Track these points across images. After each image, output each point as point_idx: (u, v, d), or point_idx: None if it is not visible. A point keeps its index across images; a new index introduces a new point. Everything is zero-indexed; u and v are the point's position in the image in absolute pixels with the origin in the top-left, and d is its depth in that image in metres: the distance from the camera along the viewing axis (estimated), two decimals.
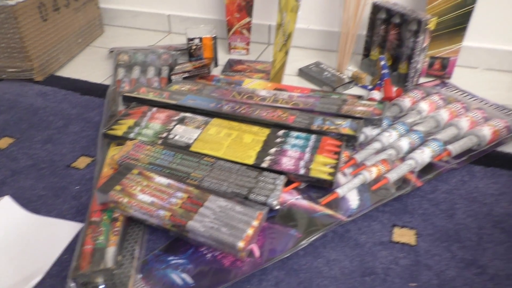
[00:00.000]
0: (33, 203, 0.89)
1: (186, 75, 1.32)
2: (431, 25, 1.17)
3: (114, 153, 0.97)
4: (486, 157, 0.99)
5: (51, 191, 0.92)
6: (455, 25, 1.26)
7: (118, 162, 0.91)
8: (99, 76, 1.40)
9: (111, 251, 0.75)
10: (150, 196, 0.81)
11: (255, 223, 0.77)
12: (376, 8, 1.28)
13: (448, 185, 0.92)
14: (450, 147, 0.97)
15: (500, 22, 1.31)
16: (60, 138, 1.09)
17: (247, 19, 1.48)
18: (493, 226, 0.83)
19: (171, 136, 0.99)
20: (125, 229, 0.80)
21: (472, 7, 1.22)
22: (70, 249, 0.79)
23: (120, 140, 1.00)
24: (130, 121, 1.04)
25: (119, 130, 1.02)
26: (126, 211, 0.80)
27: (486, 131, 1.00)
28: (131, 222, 0.82)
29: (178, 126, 1.02)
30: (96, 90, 1.29)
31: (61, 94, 1.28)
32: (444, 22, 1.26)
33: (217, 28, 1.50)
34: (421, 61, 1.24)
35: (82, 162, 1.01)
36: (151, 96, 1.13)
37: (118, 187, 0.82)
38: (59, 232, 0.83)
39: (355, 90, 1.30)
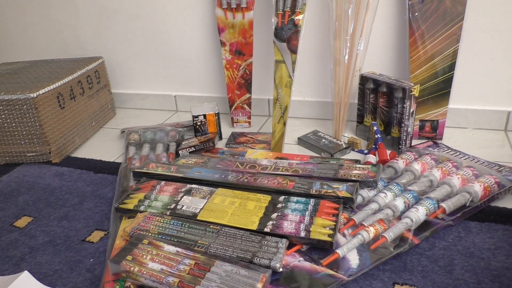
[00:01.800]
0: (49, 277, 0.94)
1: (192, 149, 1.41)
2: (415, 92, 1.26)
3: (126, 225, 1.03)
4: (481, 213, 1.03)
5: (66, 265, 0.97)
6: (439, 90, 1.36)
7: (129, 234, 0.97)
8: (112, 155, 1.50)
9: None
10: (160, 264, 0.86)
11: (259, 285, 0.80)
12: (364, 79, 1.39)
13: (445, 242, 0.96)
14: (444, 204, 1.02)
15: (481, 85, 1.41)
16: (75, 215, 1.16)
17: (247, 95, 1.60)
18: (491, 281, 0.85)
19: (179, 207, 1.06)
20: None
21: (452, 73, 1.32)
22: None
23: (132, 213, 1.07)
24: (140, 195, 1.11)
25: (130, 204, 1.09)
26: (137, 279, 0.85)
27: (478, 187, 1.05)
28: None
29: (185, 197, 1.09)
30: (109, 168, 1.38)
31: (77, 173, 1.37)
32: (428, 88, 1.36)
33: (219, 104, 1.62)
34: (411, 125, 1.32)
35: (96, 236, 1.07)
36: (159, 170, 1.22)
37: (129, 257, 0.87)
38: None
39: (352, 155, 1.38)
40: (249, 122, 1.64)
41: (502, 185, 1.08)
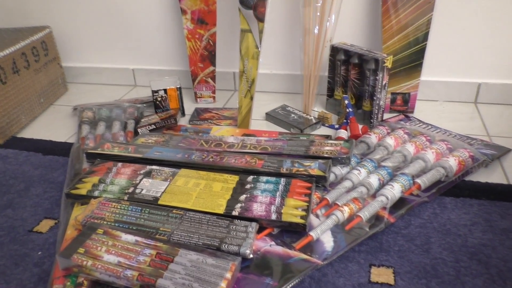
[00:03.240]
0: None
1: (152, 127, 1.31)
2: (388, 63, 1.21)
3: (78, 213, 0.93)
4: (455, 188, 1.00)
5: (10, 260, 0.87)
6: (411, 62, 1.31)
7: (81, 222, 0.87)
8: (63, 134, 1.37)
9: None
10: (117, 256, 0.77)
11: (228, 275, 0.74)
12: (334, 50, 1.32)
13: (421, 219, 0.92)
14: (419, 180, 0.98)
15: (453, 56, 1.37)
16: (21, 202, 1.04)
17: (211, 68, 1.50)
18: (469, 258, 0.82)
19: (137, 190, 0.97)
20: None
21: (425, 44, 1.27)
22: None
23: (84, 199, 0.97)
24: (94, 179, 1.01)
25: (83, 188, 0.98)
26: (91, 274, 0.76)
27: (452, 162, 1.02)
28: (97, 286, 0.78)
29: (145, 179, 1.00)
30: (60, 149, 1.26)
31: (23, 156, 1.24)
32: (401, 59, 1.31)
33: (182, 78, 1.51)
34: (383, 98, 1.27)
35: (44, 225, 0.96)
36: (116, 151, 1.11)
37: (81, 250, 0.78)
38: None
39: (322, 130, 1.32)
40: (214, 97, 1.54)
41: (476, 158, 1.05)
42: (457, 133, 1.23)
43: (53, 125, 1.44)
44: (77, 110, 1.46)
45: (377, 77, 1.22)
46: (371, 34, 1.39)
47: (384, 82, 1.24)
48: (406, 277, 0.79)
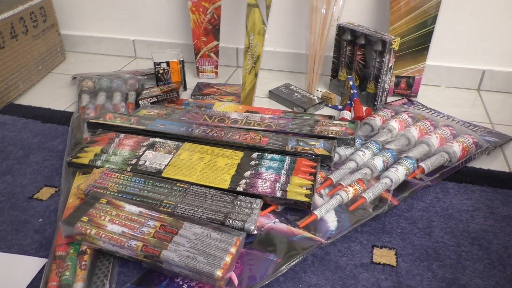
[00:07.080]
0: None
1: (154, 99, 1.29)
2: (395, 45, 1.19)
3: (80, 182, 0.91)
4: (458, 173, 1.00)
5: (10, 226, 0.86)
6: (418, 45, 1.30)
7: (84, 191, 0.86)
8: (62, 103, 1.34)
9: (78, 286, 0.70)
10: (120, 226, 0.77)
11: (233, 249, 0.73)
12: (341, 30, 1.30)
13: (423, 203, 0.92)
14: (423, 164, 0.98)
15: (459, 42, 1.36)
16: (21, 169, 1.02)
17: (215, 43, 1.47)
18: (470, 243, 0.83)
19: (141, 162, 0.95)
20: (93, 262, 0.75)
21: (433, 27, 1.26)
22: (33, 287, 0.73)
23: (86, 169, 0.95)
24: (96, 149, 0.99)
25: (85, 158, 0.97)
26: (95, 243, 0.75)
27: (456, 147, 1.02)
28: (100, 254, 0.77)
29: (148, 151, 0.98)
30: (59, 118, 1.23)
31: (21, 122, 1.21)
32: (407, 42, 1.30)
33: (184, 52, 1.48)
34: (388, 81, 1.26)
35: (45, 193, 0.95)
36: (118, 122, 1.09)
37: (85, 218, 0.77)
38: (21, 269, 0.76)
39: (325, 111, 1.31)
40: (216, 73, 1.52)
41: (479, 145, 1.06)
42: (460, 119, 1.23)
43: (51, 93, 1.41)
44: (76, 79, 1.42)
45: (384, 59, 1.20)
46: (378, 15, 1.37)
47: (390, 65, 1.23)
48: (408, 259, 0.79)
